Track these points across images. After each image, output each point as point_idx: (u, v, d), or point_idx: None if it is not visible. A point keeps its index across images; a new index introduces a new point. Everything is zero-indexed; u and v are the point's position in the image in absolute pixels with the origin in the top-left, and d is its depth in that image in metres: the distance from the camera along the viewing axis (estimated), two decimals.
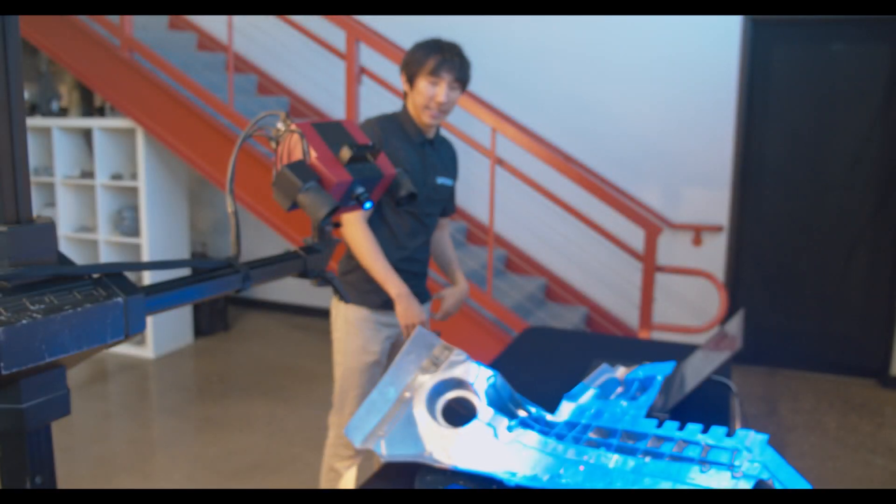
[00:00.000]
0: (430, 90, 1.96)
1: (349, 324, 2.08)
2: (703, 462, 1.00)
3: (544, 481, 1.07)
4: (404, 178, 1.10)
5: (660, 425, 1.09)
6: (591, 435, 1.13)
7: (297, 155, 0.99)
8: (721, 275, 4.18)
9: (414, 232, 2.09)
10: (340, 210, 1.00)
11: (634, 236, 3.61)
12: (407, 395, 1.25)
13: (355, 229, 1.98)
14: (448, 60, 1.94)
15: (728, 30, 3.98)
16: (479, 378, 1.23)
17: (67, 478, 2.88)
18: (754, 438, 0.99)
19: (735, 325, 1.59)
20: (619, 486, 1.02)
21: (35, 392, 0.61)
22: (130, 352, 4.43)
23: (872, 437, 3.41)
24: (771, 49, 4.09)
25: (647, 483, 1.00)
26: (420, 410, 1.21)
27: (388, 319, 2.10)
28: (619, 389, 1.37)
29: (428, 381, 1.25)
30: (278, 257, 0.97)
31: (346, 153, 0.99)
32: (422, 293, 2.17)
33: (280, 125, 1.01)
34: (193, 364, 4.36)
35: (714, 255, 4.18)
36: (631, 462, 1.04)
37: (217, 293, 0.84)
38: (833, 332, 4.21)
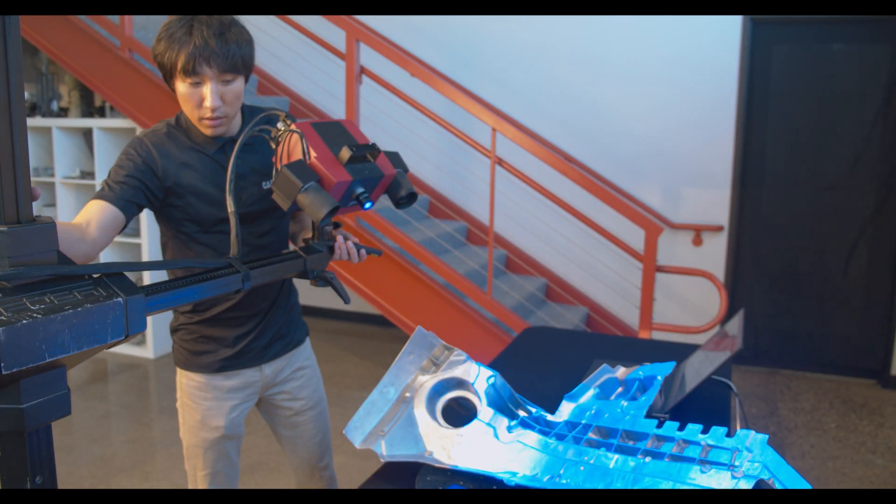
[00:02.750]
0: (193, 95, 1.42)
1: (184, 393, 1.66)
2: (704, 462, 1.00)
3: (544, 481, 1.07)
4: (404, 179, 1.09)
5: (660, 425, 1.09)
6: (592, 435, 1.13)
7: (297, 155, 0.98)
8: (721, 275, 4.18)
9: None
10: (341, 210, 1.00)
11: (634, 236, 3.61)
12: (407, 395, 1.25)
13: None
14: (203, 48, 1.38)
15: (728, 30, 3.98)
16: (479, 378, 1.23)
17: (67, 478, 2.88)
18: (754, 438, 0.99)
19: (735, 325, 1.59)
20: (619, 486, 1.02)
21: (35, 392, 0.61)
22: (130, 352, 4.43)
23: (872, 437, 3.41)
24: (771, 49, 4.09)
25: (647, 483, 1.00)
26: (420, 410, 1.21)
27: (236, 383, 1.66)
28: (619, 389, 1.37)
29: (428, 381, 1.25)
30: (278, 257, 0.97)
31: (345, 153, 0.99)
32: (278, 341, 1.70)
33: (280, 125, 1.00)
34: None
35: (714, 255, 4.18)
36: (631, 462, 1.04)
37: (216, 293, 0.84)
38: (833, 332, 4.21)
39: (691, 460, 1.01)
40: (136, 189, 1.42)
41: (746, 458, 0.97)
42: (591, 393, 1.32)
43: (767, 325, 4.30)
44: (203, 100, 1.42)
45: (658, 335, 3.37)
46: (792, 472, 0.96)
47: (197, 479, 1.73)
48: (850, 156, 4.03)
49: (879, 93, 3.94)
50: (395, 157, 1.13)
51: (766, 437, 0.99)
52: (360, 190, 1.01)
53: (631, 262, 4.08)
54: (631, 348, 2.17)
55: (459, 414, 1.23)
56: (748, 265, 4.31)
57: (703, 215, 4.17)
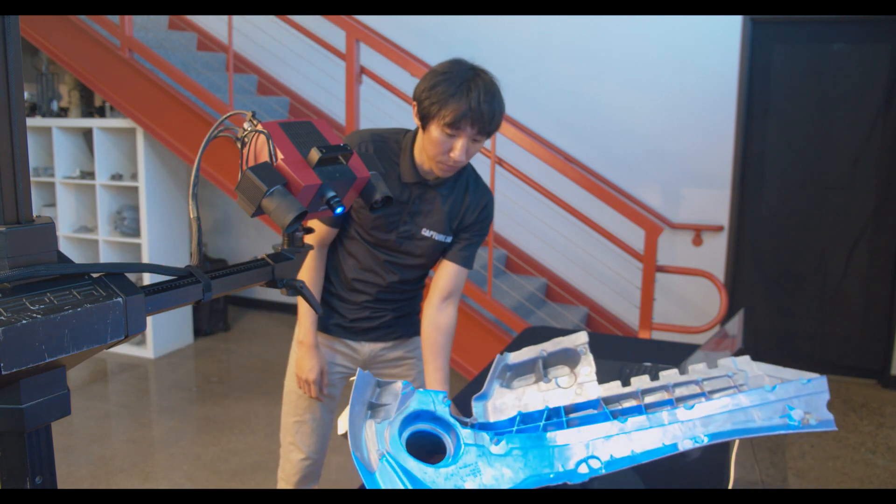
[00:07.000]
0: (445, 143, 1.54)
1: (295, 341, 1.88)
2: (712, 393, 1.02)
3: (550, 478, 1.06)
4: (378, 181, 1.04)
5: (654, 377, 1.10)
6: (572, 416, 1.11)
7: (264, 157, 0.94)
8: (721, 275, 4.17)
9: (368, 269, 1.76)
10: (310, 216, 0.96)
11: (634, 236, 3.60)
12: (383, 451, 1.09)
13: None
14: (475, 111, 1.50)
15: (728, 30, 3.98)
16: (437, 404, 1.10)
17: (67, 478, 2.88)
18: (736, 360, 1.02)
19: (735, 325, 1.59)
20: (640, 451, 1.01)
21: (35, 392, 0.61)
22: (130, 352, 4.43)
23: (872, 437, 3.41)
24: (771, 49, 4.09)
25: (662, 436, 1.00)
26: (403, 458, 1.03)
27: (339, 348, 1.84)
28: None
29: (387, 429, 1.06)
30: (244, 265, 0.93)
31: (314, 155, 0.93)
32: (367, 329, 1.84)
33: (246, 125, 0.96)
34: (193, 364, 4.36)
35: (714, 255, 4.18)
36: (630, 423, 1.04)
37: (171, 306, 0.79)
38: (833, 332, 4.21)
39: (698, 396, 1.02)
40: None
41: (740, 376, 0.99)
42: (496, 386, 1.22)
43: (767, 325, 4.30)
44: (451, 150, 1.54)
45: (658, 335, 3.36)
46: (791, 372, 1.01)
47: (287, 423, 1.87)
48: (850, 156, 4.03)
49: (879, 93, 3.94)
50: (369, 159, 1.08)
51: (748, 356, 1.02)
52: (330, 194, 0.97)
53: (631, 262, 4.08)
54: (631, 348, 2.17)
55: (432, 441, 1.09)
56: (748, 265, 4.31)
57: (703, 215, 4.17)
